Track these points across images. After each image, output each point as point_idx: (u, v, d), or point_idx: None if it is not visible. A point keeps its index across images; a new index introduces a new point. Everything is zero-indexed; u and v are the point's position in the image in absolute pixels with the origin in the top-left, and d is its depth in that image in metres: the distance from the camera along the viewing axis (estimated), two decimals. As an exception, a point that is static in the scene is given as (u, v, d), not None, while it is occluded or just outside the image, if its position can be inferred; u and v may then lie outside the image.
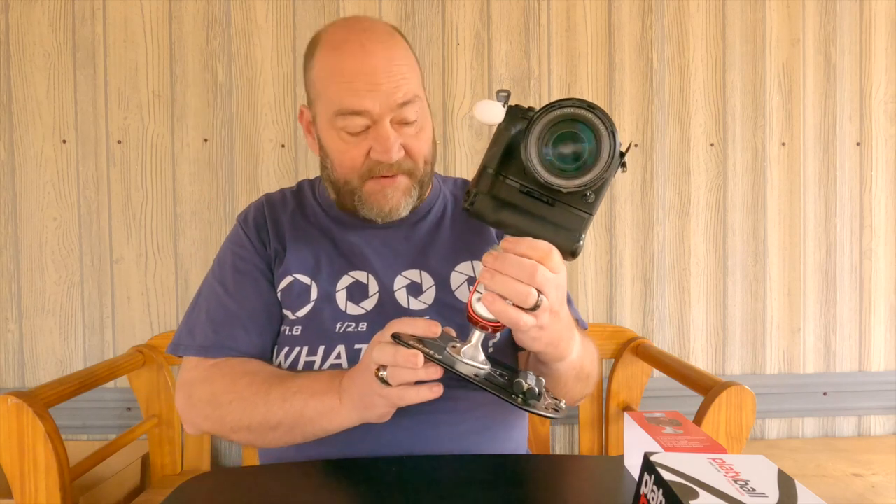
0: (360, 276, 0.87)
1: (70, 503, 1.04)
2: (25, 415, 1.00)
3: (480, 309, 0.62)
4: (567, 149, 0.57)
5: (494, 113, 0.60)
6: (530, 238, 0.60)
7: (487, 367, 0.65)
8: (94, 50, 1.56)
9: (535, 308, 0.60)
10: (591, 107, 0.56)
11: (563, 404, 0.65)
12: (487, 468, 0.75)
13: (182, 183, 1.57)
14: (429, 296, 0.86)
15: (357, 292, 0.85)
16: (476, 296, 0.63)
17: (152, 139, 1.57)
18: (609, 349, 1.53)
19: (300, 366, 0.82)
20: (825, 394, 1.66)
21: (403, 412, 0.72)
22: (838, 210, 1.67)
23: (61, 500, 1.01)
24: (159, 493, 1.36)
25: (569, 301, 0.82)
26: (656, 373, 1.46)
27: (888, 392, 1.66)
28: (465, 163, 1.61)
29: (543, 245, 0.60)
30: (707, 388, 1.10)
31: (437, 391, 0.65)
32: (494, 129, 0.63)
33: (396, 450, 0.78)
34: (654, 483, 0.51)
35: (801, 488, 0.49)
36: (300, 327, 0.84)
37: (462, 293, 0.86)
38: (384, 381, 0.65)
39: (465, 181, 1.03)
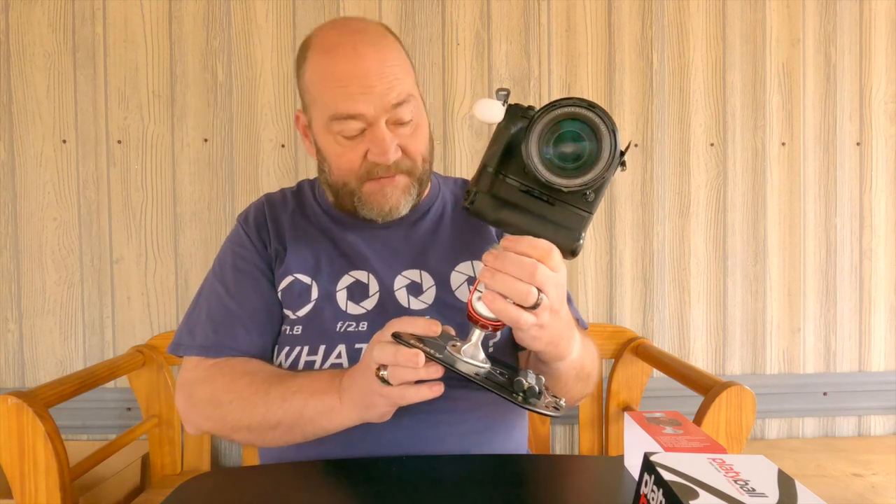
0: (361, 275, 0.87)
1: (70, 503, 1.04)
2: (25, 415, 1.00)
3: (481, 308, 0.62)
4: (568, 148, 0.57)
5: (494, 112, 0.60)
6: (530, 237, 0.60)
7: (487, 365, 0.65)
8: (94, 50, 1.56)
9: (535, 306, 0.60)
10: (591, 106, 0.56)
11: (562, 402, 0.65)
12: (487, 468, 0.75)
13: (182, 183, 1.57)
14: (429, 295, 0.86)
15: (357, 292, 0.85)
16: (476, 294, 0.63)
17: (152, 139, 1.57)
18: (609, 349, 1.53)
19: (301, 365, 0.82)
20: (825, 394, 1.66)
21: (404, 412, 0.72)
22: (838, 210, 1.67)
23: (61, 500, 1.01)
24: (159, 493, 1.36)
25: (569, 300, 0.82)
26: (656, 373, 1.46)
27: (888, 392, 1.66)
28: (465, 163, 1.61)
29: (544, 244, 0.60)
30: (707, 388, 1.10)
31: (437, 390, 0.65)
32: (494, 128, 0.63)
33: (397, 449, 0.78)
34: (654, 483, 0.51)
35: (801, 488, 0.49)
36: (301, 327, 0.84)
37: (462, 293, 0.86)
38: (385, 381, 0.65)
39: (465, 181, 1.02)
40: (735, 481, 0.50)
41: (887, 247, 1.68)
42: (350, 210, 0.87)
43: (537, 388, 0.62)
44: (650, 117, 1.63)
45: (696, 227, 1.65)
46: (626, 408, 1.49)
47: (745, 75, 1.64)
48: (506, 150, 0.61)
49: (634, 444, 0.68)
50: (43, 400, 1.05)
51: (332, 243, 0.89)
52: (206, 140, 1.57)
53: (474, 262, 0.89)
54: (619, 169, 0.58)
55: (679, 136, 1.64)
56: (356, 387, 0.70)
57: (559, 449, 1.65)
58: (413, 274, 0.87)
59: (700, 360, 1.65)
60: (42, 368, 1.57)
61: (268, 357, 0.86)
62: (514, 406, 0.87)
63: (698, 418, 1.07)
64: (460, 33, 1.60)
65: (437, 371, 0.63)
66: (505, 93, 0.61)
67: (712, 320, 1.66)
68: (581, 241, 0.61)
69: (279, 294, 0.87)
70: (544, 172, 0.57)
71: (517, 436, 0.89)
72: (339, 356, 0.81)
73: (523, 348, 0.86)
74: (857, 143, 1.66)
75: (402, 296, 0.86)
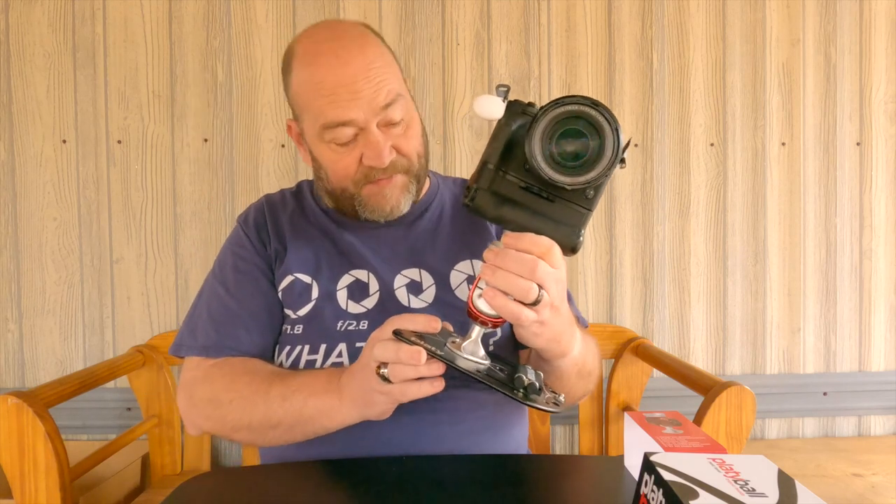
0: (361, 274, 0.87)
1: (70, 503, 1.04)
2: (25, 415, 1.00)
3: (482, 305, 0.62)
4: (571, 146, 0.57)
5: (494, 108, 0.60)
6: (531, 234, 0.60)
7: (487, 362, 0.65)
8: (94, 50, 1.56)
9: (536, 303, 0.60)
10: (595, 104, 0.56)
11: (561, 398, 0.65)
12: (487, 468, 0.75)
13: (182, 183, 1.57)
14: (429, 294, 0.86)
15: (358, 291, 0.86)
16: (477, 292, 0.63)
17: (152, 139, 1.57)
18: (609, 349, 1.53)
19: (302, 364, 0.83)
20: (825, 394, 1.66)
21: (404, 411, 0.72)
22: (838, 210, 1.67)
23: (61, 500, 1.01)
24: (159, 493, 1.36)
25: (569, 299, 0.82)
26: (656, 373, 1.46)
27: (888, 392, 1.66)
28: (465, 163, 1.61)
29: (544, 241, 0.60)
30: (707, 388, 1.10)
31: (438, 385, 0.65)
32: (494, 125, 0.63)
33: (397, 449, 0.78)
34: (654, 483, 0.51)
35: (801, 488, 0.49)
36: (301, 326, 0.84)
37: (462, 292, 0.87)
38: (385, 379, 0.65)
39: (464, 181, 1.02)
40: (735, 481, 0.50)
41: (887, 247, 1.68)
42: (351, 214, 0.88)
43: (537, 385, 0.62)
44: (650, 117, 1.63)
45: (696, 227, 1.65)
46: (626, 408, 1.49)
47: (745, 75, 1.64)
48: (506, 147, 0.61)
49: (634, 444, 0.68)
50: (43, 400, 1.05)
51: (332, 243, 0.90)
52: (206, 140, 1.57)
53: (473, 261, 0.89)
54: (619, 166, 0.58)
55: (679, 136, 1.64)
56: (356, 385, 0.70)
57: (559, 449, 1.65)
58: (412, 273, 0.87)
59: (700, 360, 1.65)
60: (42, 368, 1.57)
61: (269, 357, 0.86)
62: (514, 405, 0.88)
63: (698, 418, 1.07)
64: (460, 33, 1.60)
65: (438, 368, 0.64)
66: (505, 89, 0.61)
67: (712, 320, 1.66)
68: (581, 238, 0.61)
69: (280, 294, 0.87)
70: (547, 170, 0.57)
71: (517, 435, 0.89)
72: (339, 355, 0.81)
73: (524, 346, 0.85)
74: (857, 143, 1.66)
75: (402, 295, 0.86)
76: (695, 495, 0.47)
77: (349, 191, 0.84)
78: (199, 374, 0.82)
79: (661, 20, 1.63)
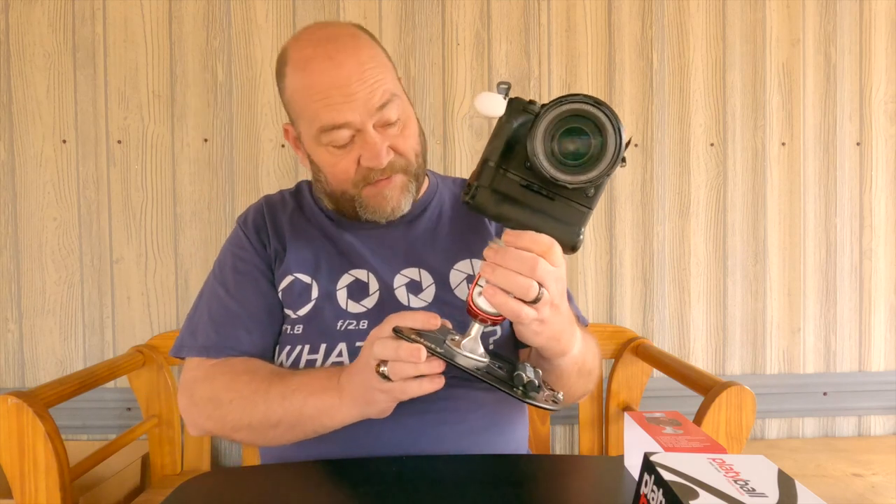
0: (361, 274, 0.87)
1: (70, 503, 1.04)
2: (25, 415, 1.00)
3: (482, 303, 0.62)
4: (573, 145, 0.57)
5: (495, 105, 0.60)
6: (532, 232, 0.60)
7: (486, 359, 0.65)
8: (94, 50, 1.56)
9: (535, 301, 0.60)
10: (597, 102, 0.56)
11: (560, 395, 0.65)
12: (487, 468, 0.75)
13: (182, 183, 1.57)
14: (428, 294, 0.86)
15: (357, 290, 0.86)
16: (477, 290, 0.63)
17: (152, 139, 1.57)
18: (609, 349, 1.53)
19: (302, 364, 0.83)
20: (825, 394, 1.66)
21: (405, 412, 0.72)
22: (838, 210, 1.67)
23: (61, 500, 1.01)
24: (159, 493, 1.36)
25: (569, 298, 0.82)
26: (656, 373, 1.46)
27: (888, 392, 1.66)
28: (465, 163, 1.61)
29: (545, 239, 0.60)
30: (707, 388, 1.10)
31: (438, 382, 0.65)
32: (494, 123, 0.63)
33: (398, 449, 0.78)
34: (654, 483, 0.51)
35: (801, 488, 0.49)
36: (301, 326, 0.84)
37: (461, 291, 0.87)
38: (385, 377, 0.65)
39: (463, 180, 1.03)
40: (735, 481, 0.50)
41: (887, 247, 1.68)
42: (352, 216, 0.88)
43: (536, 382, 0.62)
44: (650, 117, 1.63)
45: (696, 227, 1.65)
46: (626, 408, 1.49)
47: (745, 75, 1.64)
48: (507, 145, 0.61)
49: (634, 444, 0.68)
50: (43, 400, 1.05)
51: (332, 243, 0.90)
52: (206, 140, 1.57)
53: (473, 260, 0.89)
54: (620, 164, 0.58)
55: (679, 136, 1.64)
56: (356, 383, 0.70)
57: (559, 449, 1.65)
58: (412, 272, 0.87)
59: (700, 360, 1.65)
60: (42, 368, 1.57)
61: (269, 357, 0.86)
62: (514, 405, 0.88)
63: (698, 418, 1.07)
64: (460, 33, 1.60)
65: (438, 366, 0.63)
66: (506, 86, 0.60)
67: (712, 320, 1.66)
68: (581, 237, 0.61)
69: (280, 294, 0.87)
70: (549, 169, 0.57)
71: (518, 435, 0.89)
72: (339, 354, 0.81)
73: (524, 346, 0.86)
74: (857, 143, 1.66)
75: (401, 294, 0.86)
76: (695, 495, 0.47)
77: (349, 193, 0.85)
78: (199, 375, 0.82)
79: (661, 20, 1.63)
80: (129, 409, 1.55)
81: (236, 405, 0.77)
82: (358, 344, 0.81)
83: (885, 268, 1.68)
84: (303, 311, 0.85)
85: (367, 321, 0.83)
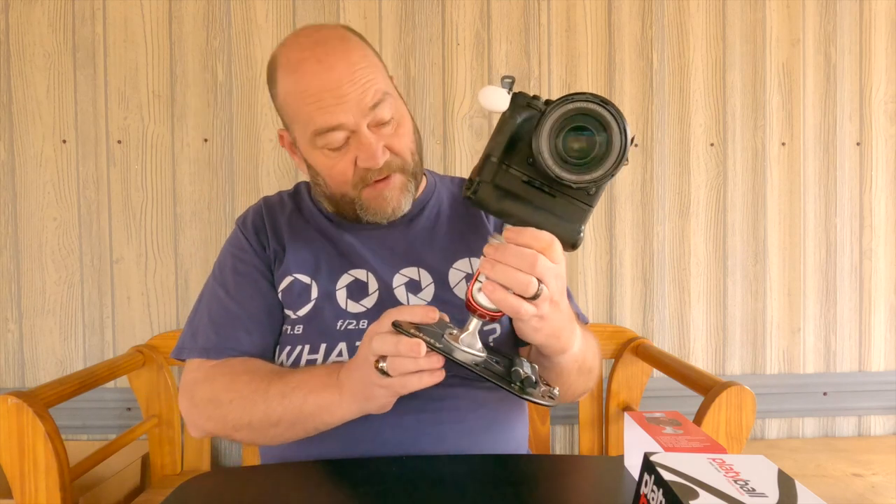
0: (360, 274, 0.87)
1: (70, 503, 1.04)
2: (25, 415, 1.00)
3: (481, 299, 0.62)
4: (578, 144, 0.57)
5: (499, 99, 0.59)
6: (533, 229, 0.60)
7: (484, 354, 0.65)
8: (94, 50, 1.56)
9: (535, 297, 0.60)
10: (604, 102, 0.56)
11: (556, 392, 0.65)
12: (487, 468, 0.75)
13: (182, 183, 1.57)
14: (428, 293, 0.86)
15: (357, 290, 0.86)
16: (477, 285, 0.62)
17: (152, 139, 1.57)
18: (609, 349, 1.53)
19: (302, 364, 0.83)
20: (825, 394, 1.66)
21: (405, 411, 0.72)
22: (838, 210, 1.67)
23: (61, 500, 1.01)
24: (159, 493, 1.36)
25: (569, 296, 0.82)
26: (656, 373, 1.46)
27: (888, 392, 1.66)
28: (465, 163, 1.61)
29: (545, 236, 0.60)
30: (707, 388, 1.10)
31: (438, 375, 0.65)
32: (496, 119, 0.62)
33: (398, 448, 0.78)
34: (654, 483, 0.51)
35: (801, 488, 0.49)
36: (301, 326, 0.84)
37: (460, 290, 0.87)
38: (384, 373, 0.65)
39: (461, 179, 1.03)
40: (735, 481, 0.50)
41: (887, 247, 1.68)
42: (352, 218, 0.88)
43: (534, 378, 0.62)
44: (650, 117, 1.63)
45: (696, 227, 1.65)
46: (626, 408, 1.49)
47: (745, 75, 1.64)
48: (510, 141, 0.61)
49: (634, 444, 0.68)
50: (43, 400, 1.05)
51: (331, 243, 0.90)
52: (206, 140, 1.57)
53: (472, 259, 0.89)
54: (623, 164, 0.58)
55: (679, 136, 1.64)
56: (355, 380, 0.70)
57: (559, 449, 1.65)
58: (411, 272, 0.88)
59: (700, 360, 1.65)
60: (42, 368, 1.57)
61: (269, 357, 0.86)
62: (514, 405, 0.88)
63: (698, 418, 1.07)
64: (460, 33, 1.60)
65: (437, 360, 0.63)
66: (510, 80, 0.60)
67: (712, 320, 1.66)
68: (582, 234, 0.61)
69: (279, 294, 0.87)
70: (553, 167, 0.57)
71: (518, 435, 0.89)
72: (339, 354, 0.82)
73: (524, 343, 0.86)
74: (857, 143, 1.66)
75: (401, 293, 0.86)
76: (695, 495, 0.47)
77: (349, 195, 0.85)
78: (199, 376, 0.82)
79: (661, 20, 1.63)
80: (129, 409, 1.55)
81: (236, 405, 0.77)
82: (358, 343, 0.81)
83: (885, 268, 1.68)
84: (303, 312, 0.85)
85: (366, 321, 0.83)
